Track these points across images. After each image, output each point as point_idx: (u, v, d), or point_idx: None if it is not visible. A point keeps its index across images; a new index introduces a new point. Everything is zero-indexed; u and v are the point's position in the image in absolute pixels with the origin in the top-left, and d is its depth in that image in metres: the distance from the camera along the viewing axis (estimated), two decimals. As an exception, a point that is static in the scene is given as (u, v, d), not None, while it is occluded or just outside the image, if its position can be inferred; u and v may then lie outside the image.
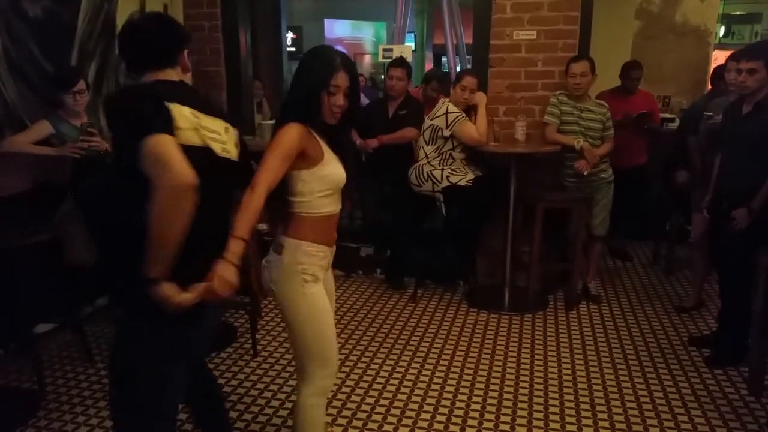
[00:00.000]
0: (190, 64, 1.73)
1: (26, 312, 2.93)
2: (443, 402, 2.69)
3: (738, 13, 7.14)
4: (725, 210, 2.90)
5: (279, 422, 2.53)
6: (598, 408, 2.65)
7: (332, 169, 1.83)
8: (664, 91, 5.41)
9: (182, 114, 1.51)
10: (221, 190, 1.66)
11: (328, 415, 2.58)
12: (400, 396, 2.74)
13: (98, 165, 3.07)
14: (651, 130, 4.46)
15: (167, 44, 1.67)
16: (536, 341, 3.31)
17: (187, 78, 1.74)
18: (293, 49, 8.99)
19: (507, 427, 2.50)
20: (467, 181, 3.69)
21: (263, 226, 4.19)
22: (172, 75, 1.65)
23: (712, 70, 4.33)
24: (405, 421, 2.54)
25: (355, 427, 2.49)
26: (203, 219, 1.50)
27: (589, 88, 3.69)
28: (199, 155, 1.51)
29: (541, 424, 2.53)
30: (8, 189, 2.42)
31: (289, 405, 2.65)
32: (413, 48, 9.56)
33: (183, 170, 1.40)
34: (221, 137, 1.63)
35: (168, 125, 1.46)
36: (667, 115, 5.13)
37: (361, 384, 2.83)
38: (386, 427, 2.50)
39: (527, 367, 3.02)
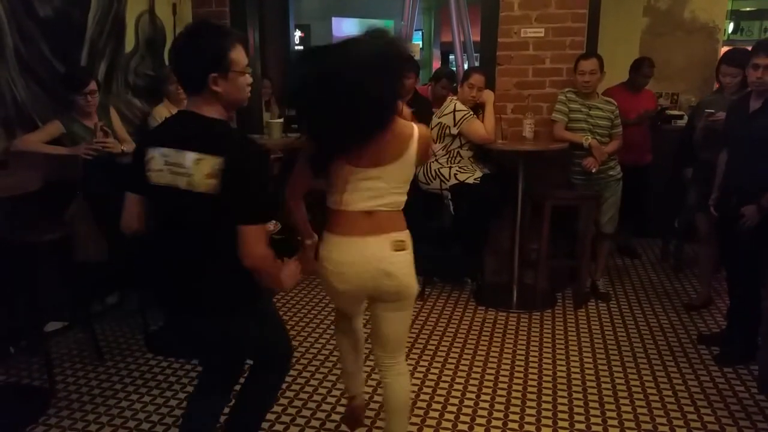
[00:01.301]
0: (225, 88, 1.63)
1: (37, 310, 2.95)
2: (452, 400, 2.69)
3: (747, 9, 7.07)
4: (734, 207, 2.88)
5: (288, 420, 2.54)
6: (607, 406, 2.64)
7: None
8: (672, 89, 5.39)
9: (155, 157, 1.66)
10: (188, 224, 1.68)
11: (336, 413, 2.59)
12: (408, 394, 2.74)
13: (109, 165, 3.09)
14: (657, 127, 4.46)
15: (185, 66, 1.65)
16: (545, 339, 3.31)
17: (216, 109, 1.66)
18: (301, 47, 8.99)
19: (516, 426, 2.50)
20: (475, 179, 3.68)
21: (270, 227, 4.19)
22: (196, 102, 1.66)
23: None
24: (414, 419, 2.54)
25: (363, 426, 2.50)
26: (166, 250, 1.76)
27: (598, 85, 3.68)
28: (165, 192, 1.66)
29: (549, 422, 2.53)
30: (20, 188, 2.44)
31: (298, 402, 2.66)
32: (421, 46, 9.55)
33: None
34: (188, 170, 1.61)
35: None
36: (676, 112, 5.11)
37: (370, 382, 2.84)
38: (395, 424, 2.50)
39: (536, 365, 3.02)
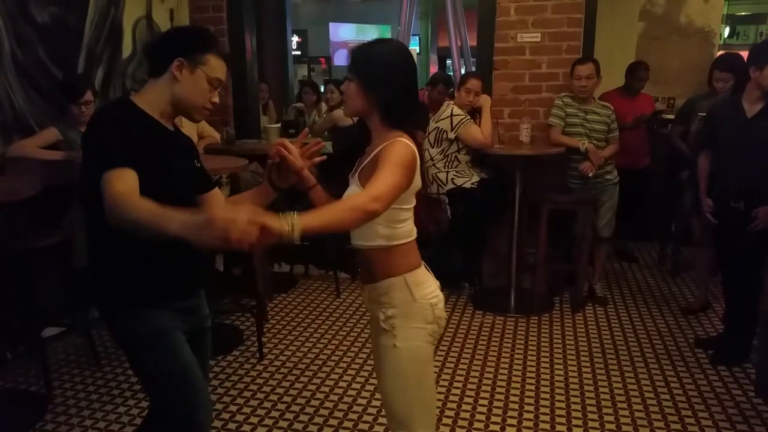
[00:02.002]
0: (186, 81, 1.57)
1: (34, 315, 2.95)
2: (449, 405, 2.69)
3: (742, 13, 7.12)
4: (738, 211, 2.87)
5: (285, 425, 2.53)
6: (605, 410, 2.64)
7: None
8: (668, 93, 5.40)
9: None
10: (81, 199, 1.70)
11: (333, 418, 2.59)
12: (406, 398, 2.73)
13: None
14: (654, 130, 4.47)
15: (158, 44, 1.67)
16: (542, 343, 3.31)
17: (159, 100, 1.60)
18: (298, 52, 9.02)
19: (513, 430, 2.50)
20: (472, 184, 3.69)
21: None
22: (146, 87, 1.63)
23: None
24: (411, 423, 2.53)
25: (361, 430, 2.50)
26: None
27: (595, 90, 3.70)
28: None
29: (547, 426, 2.52)
30: (17, 193, 2.44)
31: (295, 408, 2.66)
32: (418, 51, 9.59)
33: None
34: None
35: None
36: (671, 117, 5.12)
37: (368, 387, 2.84)
38: (392, 429, 2.50)
39: (533, 369, 3.02)
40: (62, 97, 3.12)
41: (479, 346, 3.27)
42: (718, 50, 5.45)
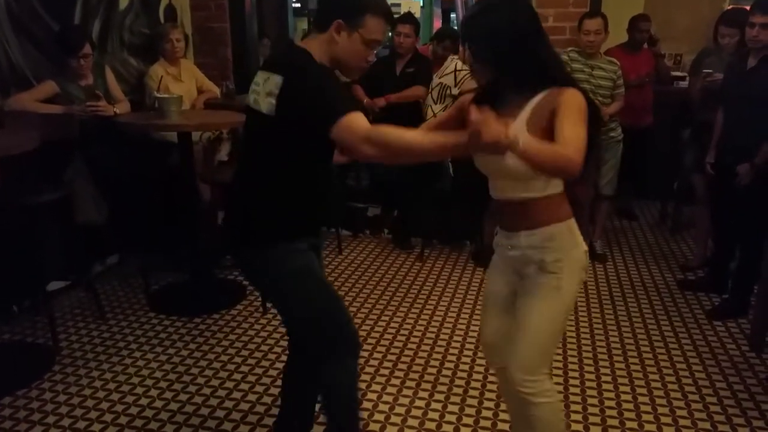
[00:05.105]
0: (344, 43, 1.61)
1: (39, 270, 2.98)
2: (449, 359, 2.74)
3: (755, -34, 6.94)
4: (729, 165, 2.90)
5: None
6: (601, 363, 2.70)
7: None
8: (676, 49, 5.30)
9: (254, 80, 1.69)
10: (251, 142, 1.74)
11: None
12: (406, 353, 2.79)
13: (106, 124, 3.07)
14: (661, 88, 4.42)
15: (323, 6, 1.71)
16: (541, 299, 3.35)
17: (323, 53, 1.62)
18: (298, 5, 8.81)
19: (511, 382, 2.55)
20: (475, 140, 3.66)
21: None
22: (312, 37, 1.67)
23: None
24: (412, 375, 2.59)
25: (363, 381, 2.55)
26: (240, 169, 1.78)
27: (602, 45, 3.63)
28: (247, 113, 1.73)
29: (544, 378, 2.58)
30: (16, 147, 2.42)
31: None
32: (421, 4, 9.35)
33: None
34: (258, 88, 1.65)
35: None
36: (679, 74, 5.04)
37: (369, 341, 2.89)
38: (393, 380, 2.56)
39: (532, 324, 3.06)
40: (60, 50, 3.07)
41: (479, 303, 3.32)
42: (729, 5, 5.32)
